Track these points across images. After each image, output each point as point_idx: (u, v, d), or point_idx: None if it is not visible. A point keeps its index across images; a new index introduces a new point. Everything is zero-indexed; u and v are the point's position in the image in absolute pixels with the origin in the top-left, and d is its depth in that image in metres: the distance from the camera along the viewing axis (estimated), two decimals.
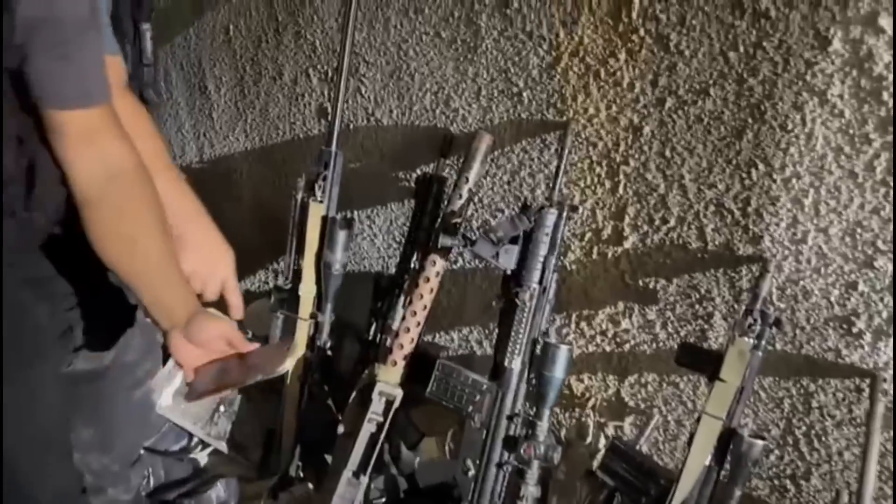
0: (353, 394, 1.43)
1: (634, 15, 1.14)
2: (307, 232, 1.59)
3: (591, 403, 1.44)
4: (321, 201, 1.59)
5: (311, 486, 1.61)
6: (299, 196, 1.61)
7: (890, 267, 0.98)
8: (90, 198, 0.96)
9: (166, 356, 1.62)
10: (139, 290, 1.06)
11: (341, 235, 1.57)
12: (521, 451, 1.25)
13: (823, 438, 1.11)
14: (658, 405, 1.33)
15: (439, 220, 1.47)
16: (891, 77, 0.91)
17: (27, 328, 1.04)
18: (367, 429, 1.39)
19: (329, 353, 1.68)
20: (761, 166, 1.07)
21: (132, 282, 1.05)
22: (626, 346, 1.36)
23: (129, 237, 1.00)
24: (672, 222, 1.21)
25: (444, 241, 1.38)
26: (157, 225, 1.02)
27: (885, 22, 0.90)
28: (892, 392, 0.91)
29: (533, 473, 1.25)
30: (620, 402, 1.39)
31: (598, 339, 1.40)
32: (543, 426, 1.24)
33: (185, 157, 2.44)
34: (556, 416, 1.51)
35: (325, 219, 1.58)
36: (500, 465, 1.27)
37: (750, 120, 1.06)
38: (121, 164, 0.97)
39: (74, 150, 0.94)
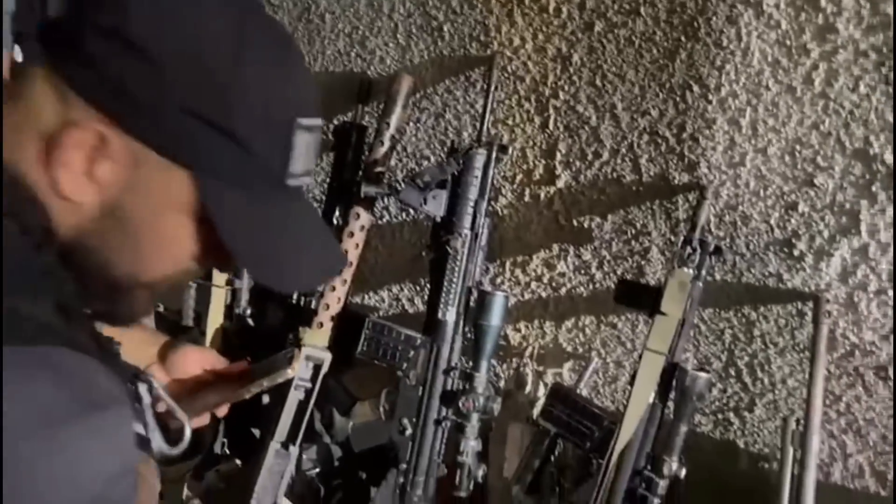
0: None
1: None
2: None
3: (528, 352, 1.39)
4: None
5: (238, 461, 1.50)
6: None
7: (831, 183, 0.94)
8: None
9: None
10: None
11: None
12: (460, 405, 1.19)
13: (767, 367, 1.09)
14: (597, 348, 1.29)
15: (361, 170, 1.38)
16: None
17: None
18: (295, 396, 1.30)
19: (250, 321, 1.58)
20: (696, 88, 1.02)
21: None
22: (563, 291, 1.31)
23: None
24: (605, 156, 1.16)
25: (366, 190, 1.29)
26: None
27: None
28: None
29: (473, 427, 1.19)
30: (559, 348, 1.34)
31: (534, 285, 1.34)
32: (482, 378, 1.19)
33: None
34: (494, 369, 1.45)
35: None
36: (438, 422, 1.21)
37: (683, 38, 1.01)
38: None
39: None
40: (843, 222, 0.95)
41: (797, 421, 0.96)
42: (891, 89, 0.86)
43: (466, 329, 1.22)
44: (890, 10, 0.83)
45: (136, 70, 0.49)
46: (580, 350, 1.32)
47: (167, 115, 0.51)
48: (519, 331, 1.40)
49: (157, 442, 0.59)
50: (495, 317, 1.17)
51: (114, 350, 0.57)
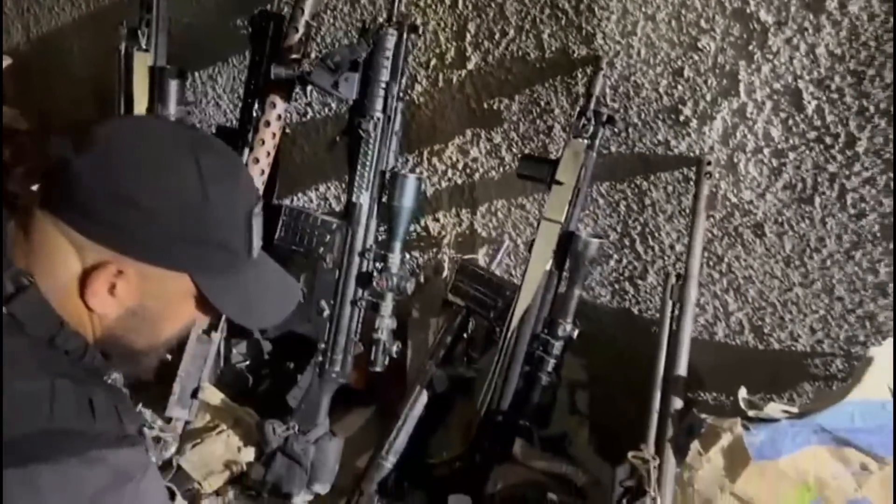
0: None
1: None
2: (134, 85, 1.46)
3: (446, 241, 1.42)
4: (146, 50, 1.46)
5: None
6: (122, 47, 1.47)
7: (713, 45, 0.98)
8: None
9: None
10: None
11: (173, 86, 1.46)
12: (375, 284, 1.22)
13: (657, 234, 1.14)
14: (508, 231, 1.33)
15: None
16: None
17: None
18: None
19: None
20: None
21: None
22: (476, 176, 1.34)
23: None
24: (511, 33, 1.17)
25: (276, 71, 1.29)
26: None
27: None
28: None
29: (387, 305, 1.23)
30: (474, 233, 1.38)
31: (450, 172, 1.37)
32: (395, 259, 1.22)
33: (12, 40, 2.19)
34: (416, 260, 1.49)
35: (152, 69, 1.46)
36: (354, 302, 1.25)
37: None
38: None
39: None
40: (724, 84, 0.99)
41: (677, 276, 1.01)
42: None
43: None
44: None
45: (135, 217, 0.68)
46: (493, 234, 1.36)
47: (164, 243, 0.70)
48: (438, 220, 1.44)
49: None
50: (408, 198, 1.20)
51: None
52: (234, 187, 0.74)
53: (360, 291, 1.25)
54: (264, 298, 0.82)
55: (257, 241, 0.77)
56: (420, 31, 1.27)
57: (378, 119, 1.21)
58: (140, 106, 1.47)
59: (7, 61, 2.17)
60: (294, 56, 1.32)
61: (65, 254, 0.69)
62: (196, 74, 1.71)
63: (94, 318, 0.72)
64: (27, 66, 2.21)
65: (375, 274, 1.22)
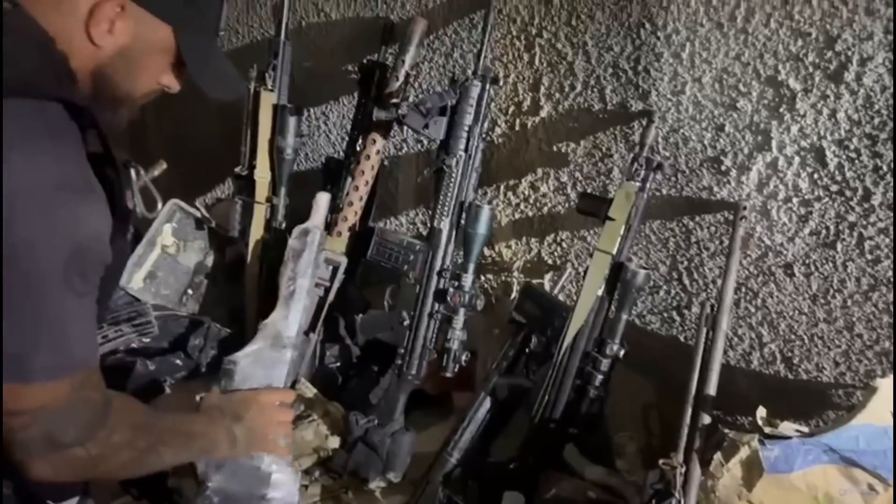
0: None
1: None
2: (260, 120, 1.71)
3: (516, 266, 1.59)
4: (272, 90, 1.71)
5: None
6: (252, 87, 1.73)
7: (749, 106, 1.11)
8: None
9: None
10: (180, 462, 1.06)
11: (291, 121, 1.69)
12: (449, 300, 1.39)
13: (701, 269, 1.26)
14: (571, 259, 1.48)
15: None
16: None
17: None
18: (315, 292, 1.53)
19: (286, 234, 1.81)
20: (648, 26, 1.19)
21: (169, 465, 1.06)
22: (545, 209, 1.50)
23: (101, 461, 0.88)
24: (578, 88, 1.34)
25: (377, 115, 1.51)
26: (134, 432, 0.93)
27: None
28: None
29: (459, 319, 1.39)
30: (541, 261, 1.54)
31: (522, 205, 1.54)
32: (468, 279, 1.38)
33: None
34: (489, 282, 1.66)
35: (275, 106, 1.70)
36: (431, 315, 1.41)
37: None
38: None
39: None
40: (759, 140, 1.11)
41: (711, 306, 1.13)
42: (794, 23, 1.02)
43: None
44: None
45: None
46: (558, 262, 1.51)
47: None
48: (510, 247, 1.60)
49: (140, 208, 0.98)
50: (482, 226, 1.37)
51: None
52: None
53: (436, 305, 1.40)
54: (223, 73, 1.00)
55: (222, 24, 0.98)
56: (501, 83, 1.46)
57: (460, 157, 1.38)
58: (263, 137, 1.72)
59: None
60: (394, 100, 1.53)
61: None
62: (311, 110, 1.94)
63: (91, 53, 0.87)
64: (165, 98, 2.53)
65: (450, 291, 1.38)
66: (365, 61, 1.69)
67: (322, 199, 1.47)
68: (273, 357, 1.26)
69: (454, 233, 1.41)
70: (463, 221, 1.38)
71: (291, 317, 1.30)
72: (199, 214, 1.85)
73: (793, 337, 1.17)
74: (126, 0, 0.87)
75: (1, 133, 0.76)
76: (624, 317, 1.24)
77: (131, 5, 0.87)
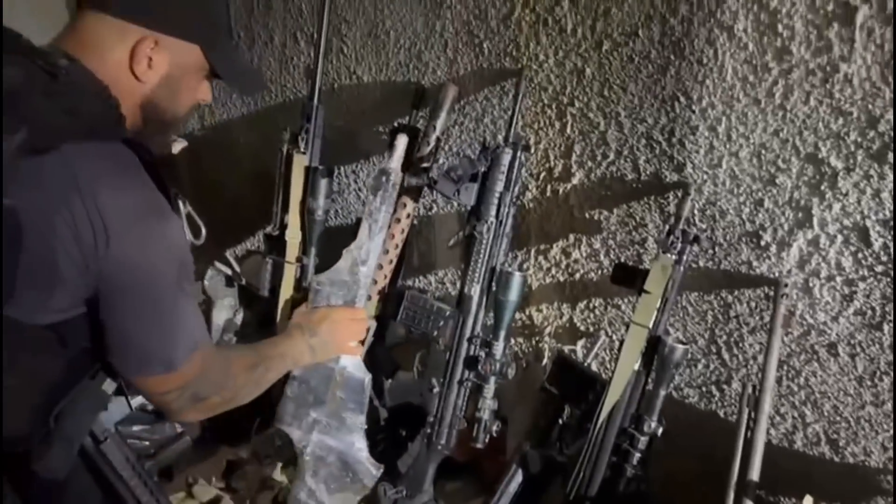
0: None
1: None
2: (292, 182, 1.72)
3: (547, 331, 1.57)
4: (304, 152, 1.72)
5: None
6: (284, 149, 1.74)
7: (789, 182, 1.09)
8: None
9: None
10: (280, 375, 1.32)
11: (323, 183, 1.70)
12: (480, 368, 1.37)
13: (741, 344, 1.23)
14: (604, 327, 1.46)
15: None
16: (784, 9, 1.02)
17: None
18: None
19: None
20: (682, 99, 1.18)
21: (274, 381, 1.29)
22: (577, 276, 1.48)
23: (232, 399, 1.14)
24: (611, 157, 1.33)
25: (409, 180, 1.51)
26: (247, 372, 1.18)
27: None
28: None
29: (490, 388, 1.37)
30: (573, 327, 1.52)
31: (553, 270, 1.53)
32: (500, 346, 1.37)
33: (187, 126, 2.58)
34: (520, 346, 1.64)
35: (307, 168, 1.72)
36: (461, 382, 1.40)
37: (672, 57, 1.18)
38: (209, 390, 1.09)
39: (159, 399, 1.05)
40: (800, 217, 1.09)
41: (753, 387, 1.10)
42: (834, 102, 1.01)
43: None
44: (832, 35, 0.98)
45: (165, 4, 0.98)
46: (591, 329, 1.49)
47: (184, 19, 0.99)
48: (541, 311, 1.58)
49: (188, 235, 1.18)
50: (513, 293, 1.36)
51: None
52: None
53: (466, 373, 1.39)
54: (246, 72, 1.16)
55: (233, 23, 1.14)
56: (532, 150, 1.46)
57: (491, 223, 1.38)
58: (295, 198, 1.73)
59: (183, 144, 2.55)
60: (424, 165, 1.54)
61: (112, 41, 0.95)
62: (342, 168, 1.97)
63: (137, 88, 0.98)
64: (198, 149, 2.58)
65: (481, 358, 1.37)
66: (395, 124, 1.71)
67: (401, 141, 1.51)
68: (349, 281, 1.47)
69: (485, 299, 1.40)
70: (494, 287, 1.37)
71: (368, 246, 1.50)
72: (230, 272, 1.86)
73: (838, 418, 1.13)
74: (158, 35, 0.97)
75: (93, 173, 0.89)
76: (662, 392, 1.21)
77: (163, 38, 0.98)
